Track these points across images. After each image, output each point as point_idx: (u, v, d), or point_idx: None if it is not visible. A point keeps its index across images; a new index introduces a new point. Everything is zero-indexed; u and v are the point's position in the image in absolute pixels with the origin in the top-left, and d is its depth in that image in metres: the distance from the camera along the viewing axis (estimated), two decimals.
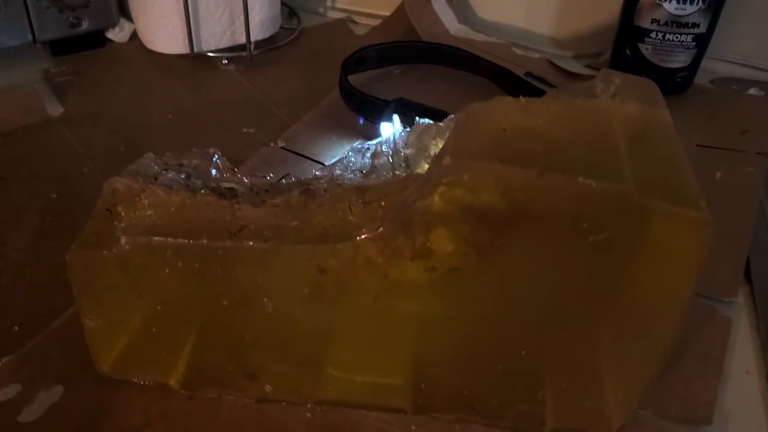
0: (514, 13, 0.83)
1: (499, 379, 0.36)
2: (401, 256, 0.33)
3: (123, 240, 0.32)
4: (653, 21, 0.67)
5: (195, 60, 0.73)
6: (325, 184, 0.35)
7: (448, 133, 0.35)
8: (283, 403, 0.37)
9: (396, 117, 0.57)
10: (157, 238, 0.32)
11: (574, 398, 0.36)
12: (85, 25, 0.71)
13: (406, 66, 0.73)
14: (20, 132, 0.60)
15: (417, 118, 0.39)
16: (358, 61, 0.68)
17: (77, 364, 0.38)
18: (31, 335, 0.40)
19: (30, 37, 0.69)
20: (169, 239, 0.32)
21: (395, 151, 0.36)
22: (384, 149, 0.37)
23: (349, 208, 0.33)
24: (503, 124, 0.32)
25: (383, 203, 0.33)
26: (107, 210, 0.34)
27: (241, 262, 0.33)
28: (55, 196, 0.52)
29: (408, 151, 0.37)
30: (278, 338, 0.36)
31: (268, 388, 0.37)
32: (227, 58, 0.73)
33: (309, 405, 0.37)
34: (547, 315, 0.34)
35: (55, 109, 0.64)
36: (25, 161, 0.56)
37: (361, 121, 0.62)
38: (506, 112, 0.33)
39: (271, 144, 0.59)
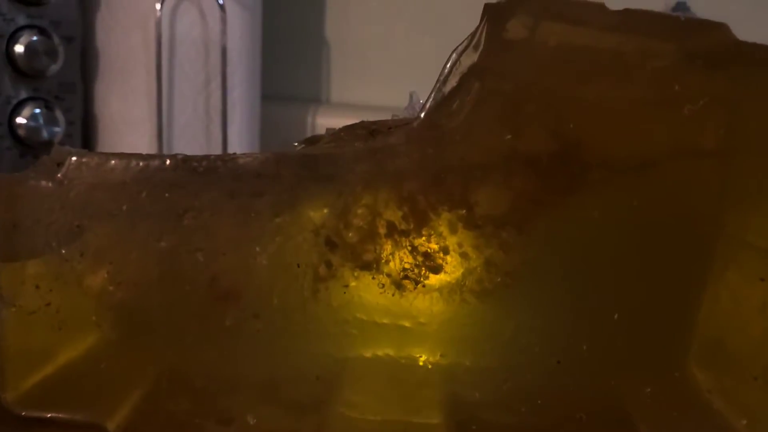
0: None
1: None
2: (435, 208, 0.26)
3: (72, 158, 0.24)
4: None
5: None
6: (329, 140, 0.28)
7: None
8: None
9: None
10: (114, 161, 0.24)
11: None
12: None
13: None
14: None
15: None
16: None
17: None
18: None
19: None
20: (132, 159, 0.24)
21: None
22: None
23: (362, 127, 0.26)
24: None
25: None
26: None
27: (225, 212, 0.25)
28: None
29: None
30: (270, 366, 0.27)
31: (251, 420, 0.26)
32: None
33: None
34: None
35: None
36: None
37: None
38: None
39: None
